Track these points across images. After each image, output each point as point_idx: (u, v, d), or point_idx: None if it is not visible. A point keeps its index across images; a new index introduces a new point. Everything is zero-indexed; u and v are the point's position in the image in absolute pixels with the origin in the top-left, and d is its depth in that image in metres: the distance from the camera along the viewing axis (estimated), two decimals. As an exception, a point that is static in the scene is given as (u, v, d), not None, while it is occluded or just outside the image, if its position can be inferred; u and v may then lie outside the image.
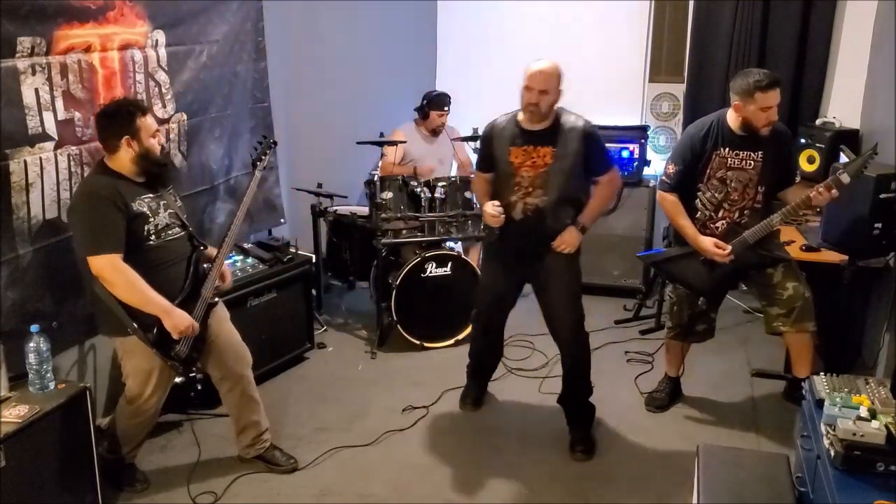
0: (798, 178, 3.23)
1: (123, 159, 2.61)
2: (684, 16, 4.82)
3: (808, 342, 3.17)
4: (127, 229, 2.55)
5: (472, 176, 3.74)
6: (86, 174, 2.88)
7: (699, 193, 3.18)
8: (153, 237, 2.64)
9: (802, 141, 4.36)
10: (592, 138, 2.97)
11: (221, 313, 2.92)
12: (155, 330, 2.60)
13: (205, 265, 2.81)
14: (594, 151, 2.99)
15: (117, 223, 2.52)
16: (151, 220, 2.64)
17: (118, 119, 2.59)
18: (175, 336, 2.61)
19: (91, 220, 2.52)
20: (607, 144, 4.61)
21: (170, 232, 2.70)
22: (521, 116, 3.01)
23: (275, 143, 3.07)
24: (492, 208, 3.01)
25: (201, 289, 2.75)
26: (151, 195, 2.68)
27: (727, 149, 3.10)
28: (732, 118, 3.09)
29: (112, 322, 2.62)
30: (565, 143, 2.94)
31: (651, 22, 4.94)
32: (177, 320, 2.60)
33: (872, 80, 4.15)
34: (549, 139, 2.95)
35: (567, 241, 3.01)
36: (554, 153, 2.94)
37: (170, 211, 2.73)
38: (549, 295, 3.12)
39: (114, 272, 2.50)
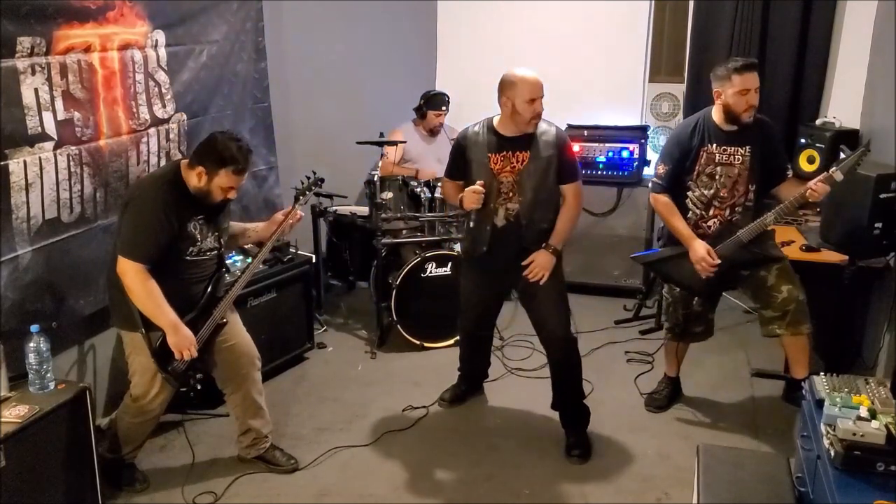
0: (790, 173, 3.20)
1: (192, 178, 2.63)
2: (684, 16, 4.82)
3: (805, 344, 3.15)
4: (171, 245, 2.59)
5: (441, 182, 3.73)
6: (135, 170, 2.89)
7: (689, 192, 3.18)
8: (189, 255, 2.68)
9: (802, 141, 4.35)
10: (564, 143, 3.02)
11: (232, 317, 2.92)
12: (159, 341, 2.62)
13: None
14: (565, 156, 3.02)
15: (161, 240, 2.56)
16: (198, 242, 2.69)
17: (212, 156, 2.60)
18: (175, 354, 2.63)
19: (140, 224, 2.56)
20: (607, 144, 4.72)
21: (207, 253, 2.74)
22: (496, 123, 3.03)
23: (322, 179, 3.02)
24: (474, 187, 2.96)
25: (213, 309, 2.76)
26: (204, 217, 2.70)
27: (714, 144, 3.11)
28: (717, 113, 3.11)
29: (125, 315, 2.65)
30: (539, 147, 2.98)
31: (651, 22, 4.94)
32: (181, 339, 2.61)
33: (872, 80, 4.15)
34: (526, 144, 2.99)
35: (539, 265, 3.01)
36: (530, 157, 2.98)
37: (215, 234, 2.76)
38: (536, 301, 3.12)
39: (135, 279, 2.54)
